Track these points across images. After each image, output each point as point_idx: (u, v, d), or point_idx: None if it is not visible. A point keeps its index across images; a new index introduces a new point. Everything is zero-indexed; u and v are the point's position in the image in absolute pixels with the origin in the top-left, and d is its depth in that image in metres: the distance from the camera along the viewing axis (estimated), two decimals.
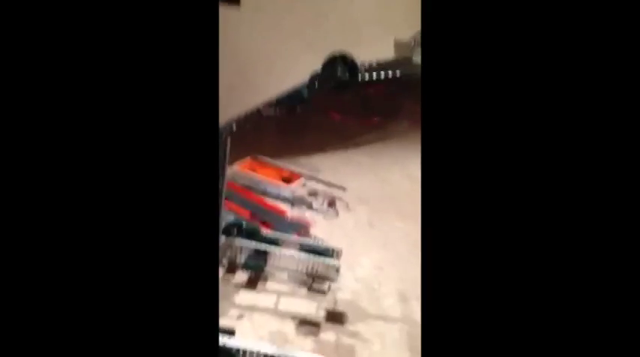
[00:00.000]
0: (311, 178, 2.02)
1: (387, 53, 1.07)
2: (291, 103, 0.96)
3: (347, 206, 1.87)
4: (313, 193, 1.93)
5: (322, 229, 1.62)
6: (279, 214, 1.66)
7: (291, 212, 1.73)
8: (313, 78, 0.93)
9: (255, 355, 0.96)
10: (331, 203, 1.85)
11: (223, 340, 0.96)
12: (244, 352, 0.96)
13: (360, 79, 0.95)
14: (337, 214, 1.80)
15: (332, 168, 2.20)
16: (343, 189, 1.96)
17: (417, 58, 0.99)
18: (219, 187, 1.06)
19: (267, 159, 2.07)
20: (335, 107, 2.36)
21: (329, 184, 1.98)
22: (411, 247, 1.61)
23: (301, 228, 1.57)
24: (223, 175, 1.10)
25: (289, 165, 2.10)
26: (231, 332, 1.01)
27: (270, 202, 1.77)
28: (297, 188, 1.92)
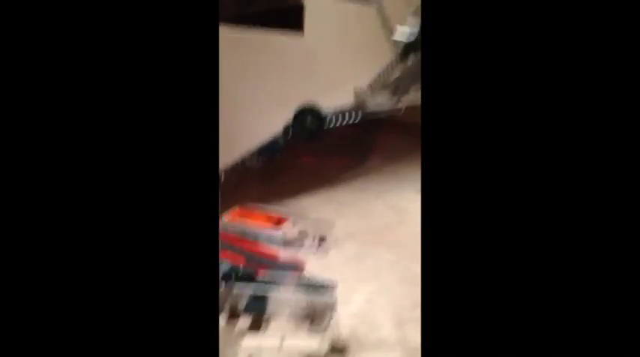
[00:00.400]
0: (300, 217, 2.12)
1: (348, 100, 1.21)
2: (270, 152, 1.07)
3: (336, 242, 1.97)
4: (303, 232, 2.02)
5: (315, 267, 1.71)
6: (272, 259, 1.75)
7: (283, 254, 1.81)
8: (286, 128, 1.06)
9: None
10: (321, 240, 1.95)
11: None
12: None
13: (326, 125, 1.09)
14: (327, 252, 1.90)
15: (316, 209, 2.31)
16: (332, 224, 2.07)
17: (372, 104, 1.12)
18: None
19: (256, 206, 2.17)
20: (307, 153, 2.51)
21: (318, 221, 2.09)
22: (399, 276, 1.71)
23: (295, 268, 1.66)
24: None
25: (277, 208, 2.20)
26: None
27: (263, 247, 1.86)
28: (287, 229, 2.02)
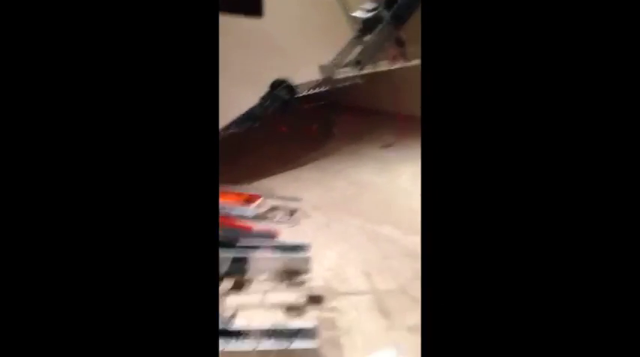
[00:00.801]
0: (269, 196, 2.23)
1: (314, 76, 1.34)
2: (248, 121, 1.19)
3: (305, 214, 2.10)
4: (274, 209, 2.14)
5: (288, 236, 1.84)
6: (247, 230, 1.86)
7: (257, 227, 1.92)
8: (262, 99, 1.18)
9: (254, 332, 1.15)
10: (291, 213, 2.08)
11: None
12: (246, 332, 1.14)
13: (297, 95, 1.21)
14: (298, 222, 2.03)
15: (284, 187, 2.43)
16: (299, 200, 2.19)
17: (338, 76, 1.26)
18: None
19: (227, 187, 2.26)
20: (282, 123, 2.69)
21: (286, 198, 2.21)
22: (365, 237, 1.87)
23: (270, 237, 1.78)
24: None
25: (246, 189, 2.30)
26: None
27: (237, 221, 1.96)
28: (258, 207, 2.13)
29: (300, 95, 1.17)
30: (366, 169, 2.76)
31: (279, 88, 1.13)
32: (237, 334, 1.12)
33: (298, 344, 1.09)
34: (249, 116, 1.14)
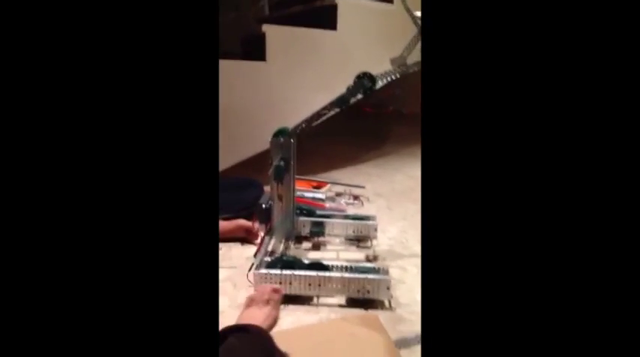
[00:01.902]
0: (335, 183, 2.55)
1: (388, 67, 1.63)
2: (339, 104, 1.50)
3: (368, 199, 2.39)
4: (340, 194, 2.45)
5: (355, 212, 2.13)
6: (321, 206, 2.17)
7: (329, 205, 2.24)
8: (349, 88, 1.49)
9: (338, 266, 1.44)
10: (356, 198, 2.38)
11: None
12: (332, 266, 1.44)
13: (377, 83, 1.52)
14: (362, 204, 2.32)
15: (348, 179, 2.73)
16: (363, 187, 2.49)
17: (409, 60, 1.54)
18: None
19: (298, 176, 2.60)
20: (365, 105, 3.10)
21: (350, 185, 2.51)
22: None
23: (340, 211, 2.08)
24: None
25: (314, 178, 2.63)
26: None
27: (311, 201, 2.28)
28: (326, 191, 2.44)
29: (380, 84, 1.48)
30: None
31: (363, 78, 1.45)
32: (325, 267, 1.42)
33: (374, 276, 1.37)
34: (340, 100, 1.47)
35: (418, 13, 1.46)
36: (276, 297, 1.32)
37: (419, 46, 1.47)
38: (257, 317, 1.22)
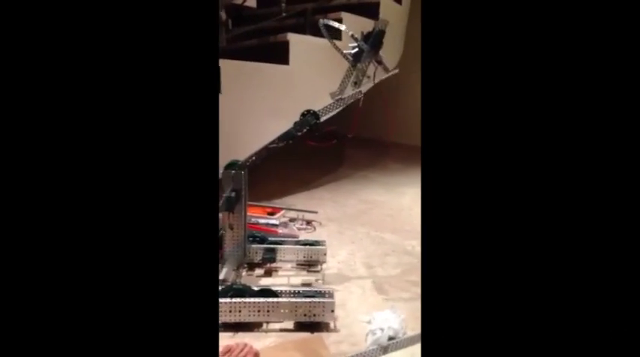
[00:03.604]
0: (289, 209, 2.64)
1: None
2: (286, 138, 1.62)
3: (320, 224, 2.50)
4: (293, 219, 2.54)
5: (307, 237, 2.23)
6: (274, 233, 2.26)
7: (281, 231, 2.33)
8: (296, 124, 1.62)
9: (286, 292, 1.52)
10: (309, 223, 2.48)
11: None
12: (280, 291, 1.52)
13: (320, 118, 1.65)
14: (314, 229, 2.43)
15: (302, 203, 2.84)
16: (315, 212, 2.60)
17: (343, 96, 1.68)
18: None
19: (251, 203, 2.68)
20: (310, 139, 3.21)
21: (304, 211, 2.61)
22: (371, 241, 2.25)
23: (292, 237, 2.17)
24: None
25: (269, 204, 2.71)
26: None
27: (265, 227, 2.36)
28: (280, 217, 2.53)
29: (322, 118, 1.62)
30: (374, 191, 3.17)
31: (308, 115, 1.58)
32: (274, 293, 1.50)
33: (319, 300, 1.46)
34: (286, 135, 1.59)
35: (348, 50, 1.60)
36: None
37: (353, 77, 1.60)
38: None
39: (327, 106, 1.62)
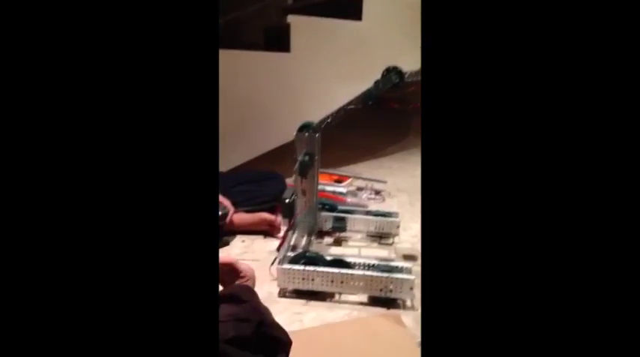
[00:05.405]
0: (357, 177, 2.53)
1: (413, 60, 1.60)
2: (366, 99, 1.48)
3: (390, 194, 2.37)
4: (361, 188, 2.43)
5: (376, 207, 2.11)
6: (342, 201, 2.16)
7: (350, 200, 2.22)
8: (377, 82, 1.47)
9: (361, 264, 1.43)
10: (377, 193, 2.36)
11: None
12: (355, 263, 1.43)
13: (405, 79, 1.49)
14: (384, 199, 2.30)
15: (369, 172, 2.71)
16: (385, 182, 2.46)
17: None
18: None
19: (321, 170, 2.59)
20: (392, 99, 3.04)
21: (372, 180, 2.49)
22: None
23: (361, 206, 2.06)
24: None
25: (335, 171, 2.61)
26: None
27: (332, 195, 2.27)
28: (348, 185, 2.43)
29: (407, 80, 1.45)
30: None
31: (391, 72, 1.42)
32: (347, 264, 1.42)
33: (397, 276, 1.36)
34: (367, 95, 1.44)
35: None
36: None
37: None
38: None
39: (413, 71, 1.46)
